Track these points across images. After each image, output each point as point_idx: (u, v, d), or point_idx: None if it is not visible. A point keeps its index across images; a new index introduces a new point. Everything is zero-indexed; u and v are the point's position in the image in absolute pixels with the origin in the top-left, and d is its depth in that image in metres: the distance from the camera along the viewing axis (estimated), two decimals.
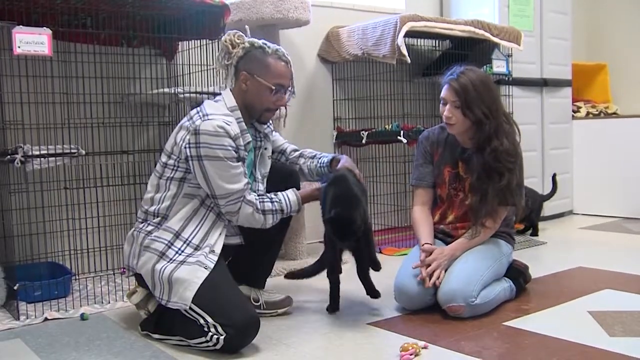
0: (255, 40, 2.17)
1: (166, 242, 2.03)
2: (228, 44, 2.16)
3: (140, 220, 2.14)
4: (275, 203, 2.14)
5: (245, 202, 2.07)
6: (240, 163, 2.06)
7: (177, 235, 2.04)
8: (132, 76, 2.92)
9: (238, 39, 2.16)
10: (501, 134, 2.29)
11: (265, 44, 2.16)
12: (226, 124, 2.01)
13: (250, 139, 2.15)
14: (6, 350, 2.01)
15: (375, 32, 3.39)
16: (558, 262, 3.06)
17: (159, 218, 2.08)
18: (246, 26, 2.24)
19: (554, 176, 4.03)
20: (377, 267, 2.22)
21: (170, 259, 2.00)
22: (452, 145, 2.42)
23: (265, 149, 2.29)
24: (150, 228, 2.08)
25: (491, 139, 2.27)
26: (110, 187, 2.87)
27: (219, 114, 2.06)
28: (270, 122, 2.36)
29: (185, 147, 2.03)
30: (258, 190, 2.25)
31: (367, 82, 3.81)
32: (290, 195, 2.18)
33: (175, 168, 2.08)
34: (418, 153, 2.51)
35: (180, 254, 2.01)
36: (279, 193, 2.18)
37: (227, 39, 2.17)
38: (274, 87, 2.13)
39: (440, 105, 2.35)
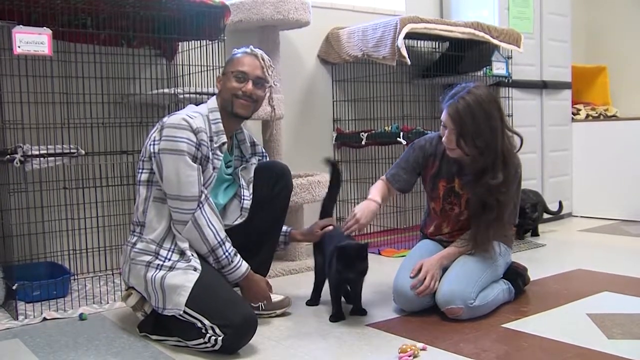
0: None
1: (152, 253, 2.03)
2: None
3: (130, 231, 2.15)
4: (224, 260, 2.04)
5: (194, 225, 1.99)
6: (197, 167, 2.00)
7: (160, 245, 2.03)
8: (132, 76, 2.92)
9: None
10: (497, 167, 2.19)
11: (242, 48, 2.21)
12: (189, 117, 2.02)
13: (225, 140, 2.13)
14: (5, 350, 2.01)
15: (375, 34, 3.40)
16: (557, 264, 3.06)
17: (139, 227, 2.08)
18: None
19: (560, 203, 4.07)
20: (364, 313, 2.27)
21: (159, 266, 2.00)
22: (449, 159, 2.34)
23: (248, 161, 2.32)
24: (134, 239, 2.08)
25: (486, 172, 2.20)
26: (109, 187, 2.86)
27: (187, 110, 2.09)
28: (264, 151, 2.39)
29: (150, 145, 2.04)
30: (244, 195, 2.26)
31: (366, 84, 3.81)
32: (241, 268, 2.08)
33: (141, 170, 2.07)
34: (406, 157, 2.43)
35: (168, 260, 2.01)
36: (237, 257, 2.07)
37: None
38: (233, 72, 2.15)
39: (441, 127, 2.26)
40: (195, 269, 1.98)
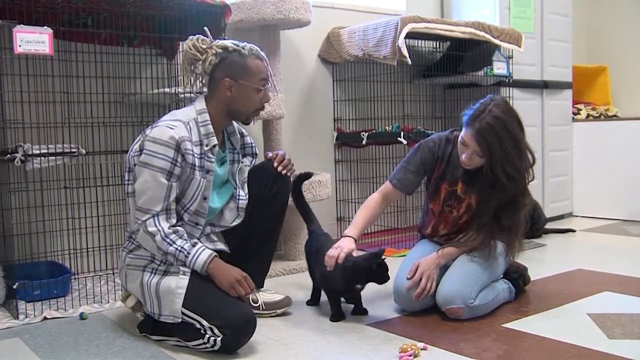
0: (225, 42, 2.11)
1: (148, 257, 2.03)
2: (194, 51, 2.10)
3: (127, 237, 2.14)
4: (180, 255, 1.95)
5: (145, 231, 1.95)
6: (168, 185, 1.94)
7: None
8: (132, 76, 2.92)
9: (202, 44, 2.10)
10: (526, 191, 2.22)
11: (238, 45, 2.11)
12: (169, 128, 1.96)
13: (216, 142, 2.09)
14: (5, 349, 2.01)
15: (376, 33, 3.39)
16: (557, 264, 3.06)
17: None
18: (205, 28, 2.18)
19: (569, 230, 3.99)
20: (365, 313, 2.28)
21: (154, 270, 2.00)
22: (454, 163, 2.31)
23: (242, 161, 2.30)
24: (132, 247, 2.08)
25: (516, 198, 2.21)
26: (110, 187, 2.86)
27: (168, 119, 2.02)
28: (253, 143, 2.36)
29: (131, 157, 2.01)
30: (239, 196, 2.25)
31: (367, 83, 3.81)
32: (202, 255, 1.97)
33: (127, 182, 2.05)
34: (413, 158, 2.36)
35: (163, 264, 2.01)
36: (194, 247, 1.97)
37: (191, 46, 2.10)
38: (261, 87, 2.11)
39: (459, 143, 2.19)
40: (184, 273, 1.96)
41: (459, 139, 2.20)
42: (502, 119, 2.12)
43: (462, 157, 2.20)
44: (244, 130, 2.36)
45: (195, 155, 2.02)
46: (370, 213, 2.36)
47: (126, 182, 2.05)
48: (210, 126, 2.08)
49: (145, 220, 1.95)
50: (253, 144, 2.38)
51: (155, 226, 1.95)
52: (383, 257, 2.15)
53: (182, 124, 2.01)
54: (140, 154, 1.97)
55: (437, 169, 2.36)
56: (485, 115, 2.12)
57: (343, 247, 2.18)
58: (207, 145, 2.07)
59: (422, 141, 2.40)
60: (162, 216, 1.97)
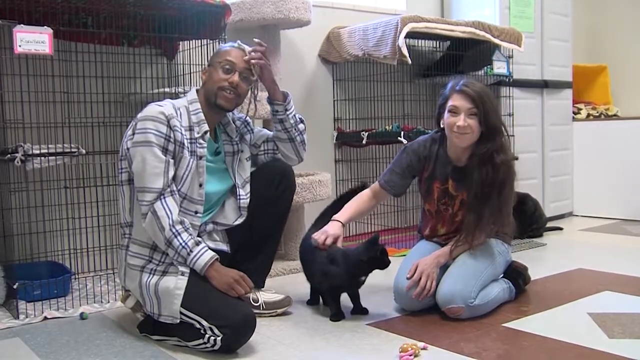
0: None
1: (146, 257, 2.03)
2: None
3: (122, 234, 2.13)
4: (182, 251, 1.94)
5: (153, 215, 1.93)
6: (165, 159, 1.96)
7: (153, 247, 2.02)
8: (132, 76, 2.92)
9: None
10: (507, 147, 2.27)
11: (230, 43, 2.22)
12: (158, 105, 2.02)
13: (207, 129, 2.11)
14: (5, 349, 2.01)
15: (376, 33, 3.39)
16: (558, 263, 3.05)
17: (128, 227, 2.07)
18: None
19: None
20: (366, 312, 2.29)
21: (152, 271, 2.00)
22: (443, 160, 2.34)
23: (242, 151, 2.29)
24: (126, 241, 2.08)
25: (499, 151, 2.22)
26: (110, 187, 2.86)
27: (157, 101, 2.08)
28: (249, 120, 2.36)
29: (125, 142, 2.03)
30: (240, 195, 2.25)
31: (367, 83, 3.81)
32: (204, 257, 1.96)
33: (121, 170, 2.06)
34: (399, 162, 2.40)
35: (161, 264, 2.01)
36: (198, 246, 1.96)
37: None
38: (220, 62, 2.13)
39: (448, 115, 2.23)
40: (183, 274, 1.96)
41: (448, 107, 2.24)
42: (476, 82, 2.28)
43: (458, 124, 2.20)
44: (237, 114, 2.34)
45: (185, 136, 2.04)
46: (361, 204, 2.41)
47: (120, 170, 2.06)
48: (202, 114, 2.12)
49: (153, 203, 1.94)
50: (246, 121, 2.35)
51: (164, 209, 1.94)
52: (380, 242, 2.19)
53: (171, 105, 2.06)
54: (132, 136, 2.00)
55: (426, 170, 2.38)
56: (461, 82, 2.25)
57: (329, 232, 2.23)
58: (198, 133, 2.09)
59: (408, 144, 2.45)
60: (168, 196, 1.97)
